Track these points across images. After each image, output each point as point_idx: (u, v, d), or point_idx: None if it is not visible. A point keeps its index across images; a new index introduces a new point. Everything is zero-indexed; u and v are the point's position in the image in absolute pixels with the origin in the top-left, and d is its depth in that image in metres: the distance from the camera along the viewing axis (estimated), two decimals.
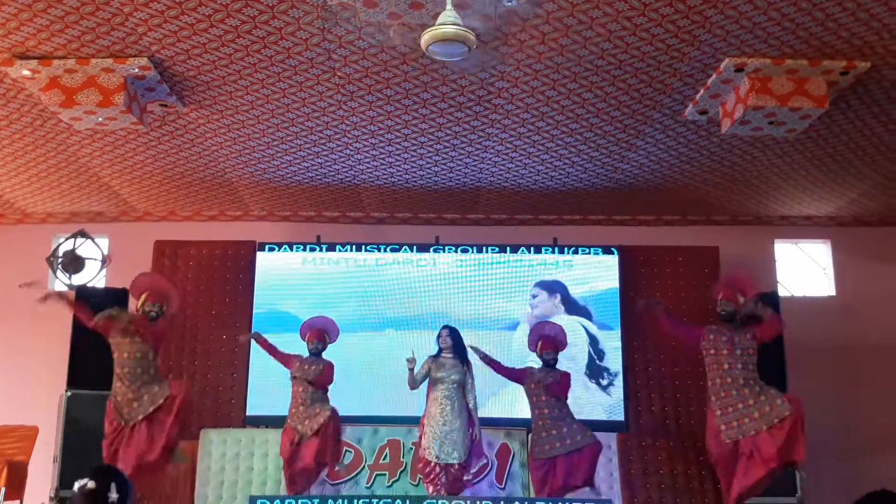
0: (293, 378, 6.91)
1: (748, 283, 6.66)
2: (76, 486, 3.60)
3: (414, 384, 6.77)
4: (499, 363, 6.96)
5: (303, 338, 7.07)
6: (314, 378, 6.83)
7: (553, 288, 8.48)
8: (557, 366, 6.90)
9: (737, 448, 6.26)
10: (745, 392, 6.30)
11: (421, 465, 6.75)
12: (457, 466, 6.59)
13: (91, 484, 3.56)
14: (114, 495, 3.54)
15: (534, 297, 8.46)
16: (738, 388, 6.31)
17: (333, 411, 6.77)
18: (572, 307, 8.42)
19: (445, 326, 7.05)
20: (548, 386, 6.72)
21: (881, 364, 8.78)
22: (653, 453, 7.81)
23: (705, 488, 7.67)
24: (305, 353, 7.00)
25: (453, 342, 6.87)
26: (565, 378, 6.84)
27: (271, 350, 7.02)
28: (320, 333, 7.02)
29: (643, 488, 7.67)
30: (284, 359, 7.00)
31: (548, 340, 6.89)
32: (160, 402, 6.40)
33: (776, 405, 6.19)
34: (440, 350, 6.91)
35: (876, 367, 8.78)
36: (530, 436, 7.12)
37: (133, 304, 7.01)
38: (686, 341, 6.81)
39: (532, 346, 7.02)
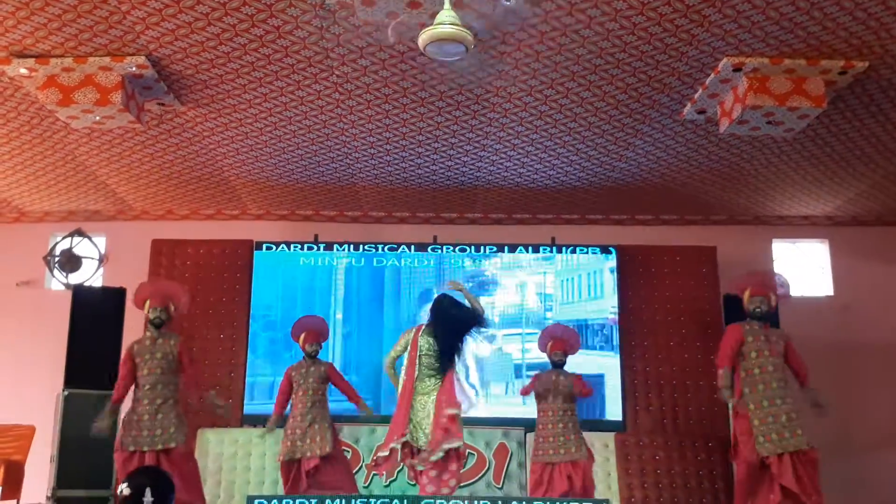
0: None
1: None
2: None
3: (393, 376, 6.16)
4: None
5: (296, 339, 6.86)
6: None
7: None
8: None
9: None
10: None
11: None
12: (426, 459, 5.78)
13: (126, 490, 3.66)
14: (148, 499, 3.62)
15: None
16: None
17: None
18: None
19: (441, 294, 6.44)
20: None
21: (879, 363, 8.79)
22: (650, 453, 7.81)
23: (703, 488, 7.68)
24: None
25: (431, 313, 6.10)
26: (580, 380, 6.80)
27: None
28: (318, 334, 6.86)
29: (641, 488, 7.67)
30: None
31: (558, 342, 6.89)
32: None
33: None
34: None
35: (874, 366, 8.79)
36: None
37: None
38: None
39: (542, 346, 7.01)
